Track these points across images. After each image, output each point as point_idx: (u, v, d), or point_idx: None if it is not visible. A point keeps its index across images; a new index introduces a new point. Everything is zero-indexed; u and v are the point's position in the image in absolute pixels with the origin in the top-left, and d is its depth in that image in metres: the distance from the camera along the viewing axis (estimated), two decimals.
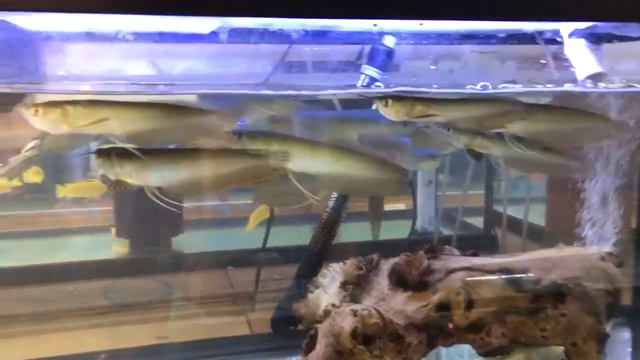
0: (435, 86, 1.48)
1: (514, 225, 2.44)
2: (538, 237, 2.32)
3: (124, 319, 1.86)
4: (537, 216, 2.34)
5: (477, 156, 1.50)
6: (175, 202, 1.28)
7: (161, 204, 1.27)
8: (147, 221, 2.30)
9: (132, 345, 1.69)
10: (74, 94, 1.39)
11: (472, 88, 1.49)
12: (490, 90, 1.51)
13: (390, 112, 1.34)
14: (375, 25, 1.22)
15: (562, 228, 2.15)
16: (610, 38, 1.59)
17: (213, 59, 1.60)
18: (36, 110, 1.21)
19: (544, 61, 1.65)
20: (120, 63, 1.55)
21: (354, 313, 1.26)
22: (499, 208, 2.58)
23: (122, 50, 1.45)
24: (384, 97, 1.33)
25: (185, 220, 2.41)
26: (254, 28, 1.42)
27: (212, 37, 1.42)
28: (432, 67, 1.71)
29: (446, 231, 2.55)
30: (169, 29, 1.43)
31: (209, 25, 1.38)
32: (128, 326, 1.79)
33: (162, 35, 1.43)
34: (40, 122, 1.23)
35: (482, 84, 1.46)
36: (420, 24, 1.33)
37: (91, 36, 1.36)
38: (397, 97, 1.34)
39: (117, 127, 1.27)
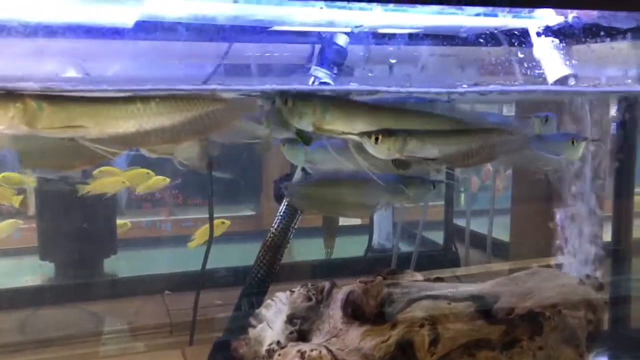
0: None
1: (477, 240, 2.31)
2: (503, 252, 2.18)
3: (42, 357, 1.62)
4: (501, 230, 2.20)
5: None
6: None
7: None
8: (75, 241, 2.08)
9: None
10: None
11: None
12: (463, 90, 1.36)
13: (382, 150, 1.12)
14: (321, 8, 1.02)
15: (529, 242, 2.00)
16: (581, 38, 1.47)
17: (139, 59, 1.39)
18: None
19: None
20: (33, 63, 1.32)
21: (302, 355, 1.08)
22: (459, 222, 2.45)
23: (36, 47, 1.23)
24: (373, 133, 1.12)
25: (119, 240, 2.18)
26: (190, 23, 1.24)
27: (137, 32, 1.23)
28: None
29: (404, 246, 2.40)
30: (84, 20, 1.23)
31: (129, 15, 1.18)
32: None
33: (75, 29, 1.22)
34: None
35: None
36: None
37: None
38: (388, 133, 1.12)
39: (94, 128, 1.01)
